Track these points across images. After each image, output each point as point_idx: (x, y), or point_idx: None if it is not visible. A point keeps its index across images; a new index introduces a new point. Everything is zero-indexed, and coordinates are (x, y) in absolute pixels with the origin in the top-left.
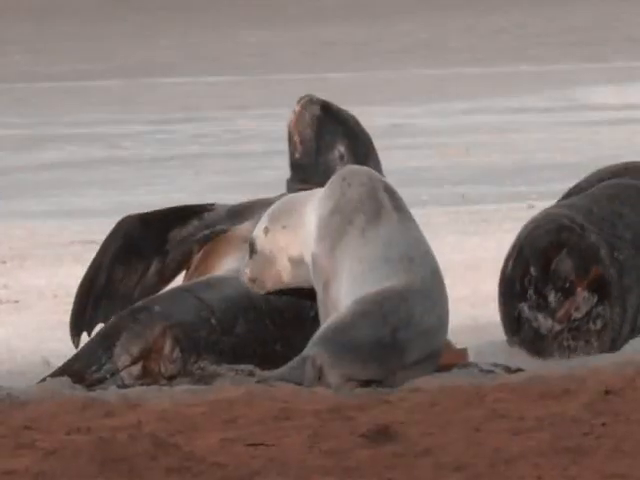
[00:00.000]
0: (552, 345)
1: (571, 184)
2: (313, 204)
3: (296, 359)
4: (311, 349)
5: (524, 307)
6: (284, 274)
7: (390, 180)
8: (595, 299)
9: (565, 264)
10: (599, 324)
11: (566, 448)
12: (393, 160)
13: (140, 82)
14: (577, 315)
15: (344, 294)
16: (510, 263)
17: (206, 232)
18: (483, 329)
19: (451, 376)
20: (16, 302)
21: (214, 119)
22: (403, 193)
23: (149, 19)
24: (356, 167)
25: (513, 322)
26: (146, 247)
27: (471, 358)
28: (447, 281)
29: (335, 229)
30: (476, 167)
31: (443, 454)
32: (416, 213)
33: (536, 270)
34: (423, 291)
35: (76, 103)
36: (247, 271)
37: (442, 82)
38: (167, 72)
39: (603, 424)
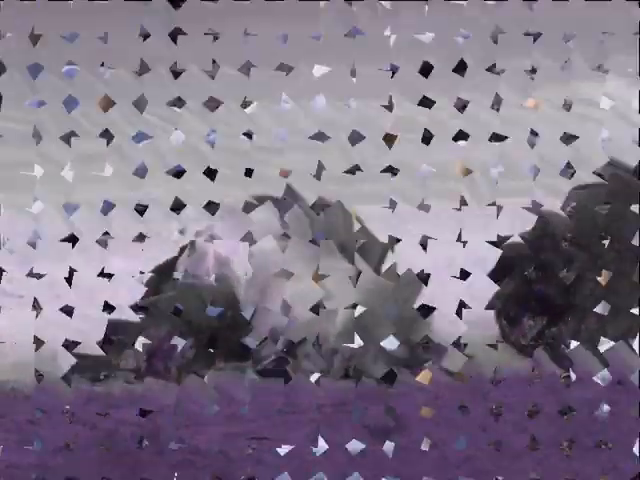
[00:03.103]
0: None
1: (572, 181)
2: None
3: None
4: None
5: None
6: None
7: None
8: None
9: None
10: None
11: (571, 442)
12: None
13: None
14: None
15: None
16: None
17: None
18: (482, 326)
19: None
20: (20, 297)
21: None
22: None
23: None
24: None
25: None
26: None
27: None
28: (447, 279)
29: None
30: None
31: (447, 449)
32: (415, 209)
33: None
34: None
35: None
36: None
37: None
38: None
39: (609, 417)
